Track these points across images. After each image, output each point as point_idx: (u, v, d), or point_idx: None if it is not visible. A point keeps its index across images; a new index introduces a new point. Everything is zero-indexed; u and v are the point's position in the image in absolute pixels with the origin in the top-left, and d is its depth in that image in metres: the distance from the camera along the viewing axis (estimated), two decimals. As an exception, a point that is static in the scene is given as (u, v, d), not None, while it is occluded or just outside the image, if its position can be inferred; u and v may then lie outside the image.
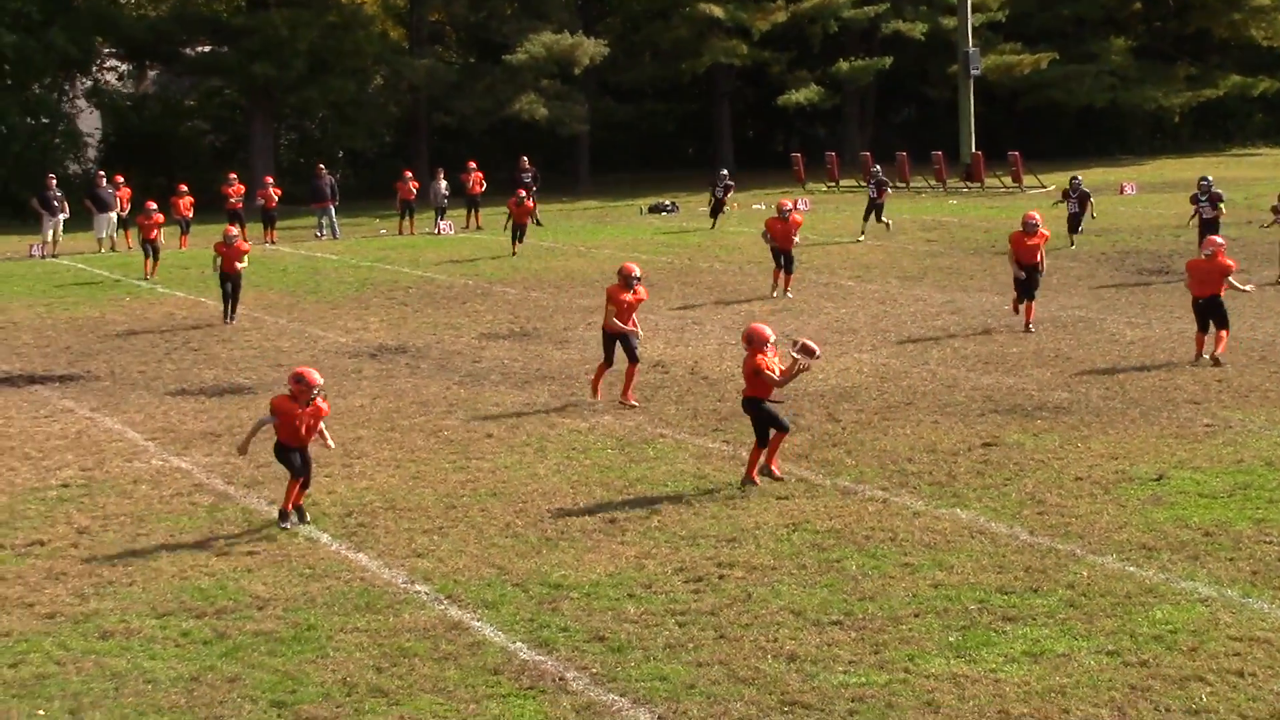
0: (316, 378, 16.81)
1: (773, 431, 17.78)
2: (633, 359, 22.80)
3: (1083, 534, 15.58)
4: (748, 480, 17.80)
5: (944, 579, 14.35)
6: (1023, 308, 27.80)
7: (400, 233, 50.56)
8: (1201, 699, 11.44)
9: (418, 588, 14.76)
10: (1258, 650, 12.32)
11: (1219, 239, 24.41)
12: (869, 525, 16.15)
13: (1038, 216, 27.95)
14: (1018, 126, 74.77)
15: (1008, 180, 59.11)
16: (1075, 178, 40.01)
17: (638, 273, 23.16)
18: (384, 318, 32.18)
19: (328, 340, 29.51)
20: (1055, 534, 15.63)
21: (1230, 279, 23.99)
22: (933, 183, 61.17)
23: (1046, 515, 16.27)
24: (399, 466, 19.53)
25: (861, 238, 43.10)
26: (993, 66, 69.57)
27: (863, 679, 12.06)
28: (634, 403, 22.66)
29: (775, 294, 33.19)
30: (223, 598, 14.61)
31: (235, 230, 33.00)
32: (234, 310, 32.20)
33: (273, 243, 47.84)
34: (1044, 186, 57.38)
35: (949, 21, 70.95)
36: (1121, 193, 54.77)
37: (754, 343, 17.78)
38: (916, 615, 13.42)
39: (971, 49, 66.34)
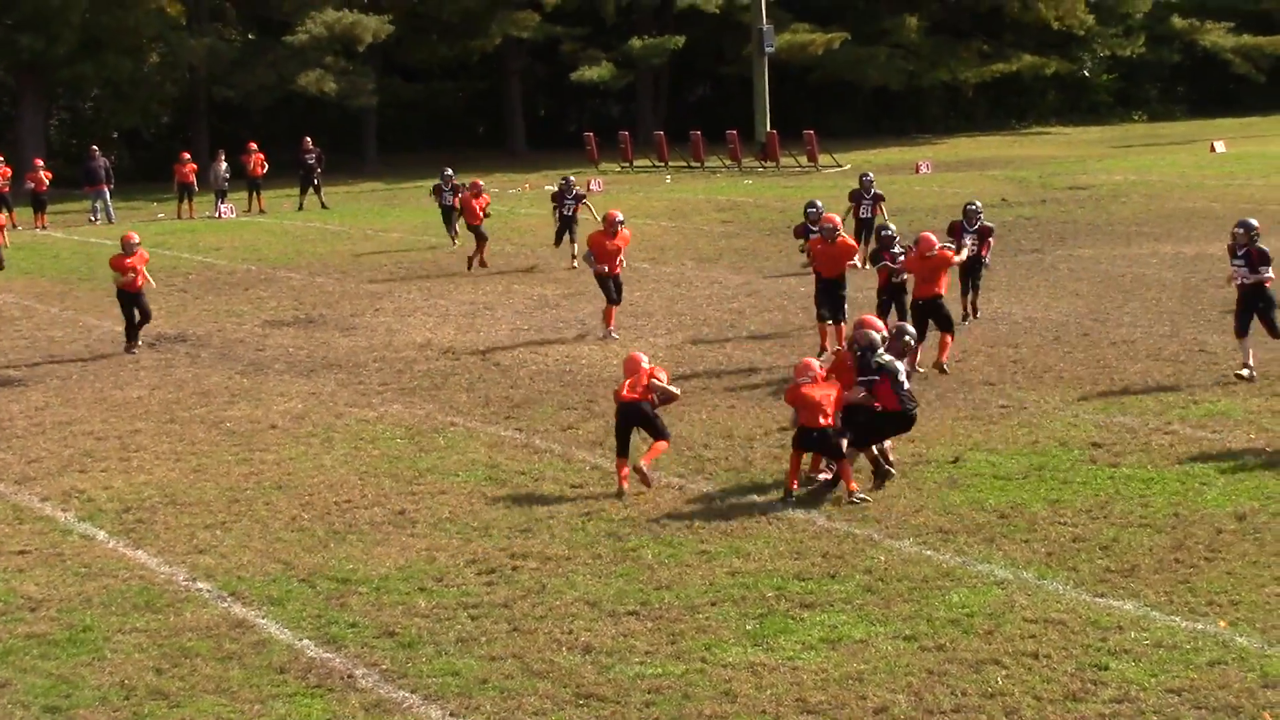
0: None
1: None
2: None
3: (880, 518, 15.56)
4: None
5: (741, 566, 14.24)
6: (831, 330, 23.28)
7: (179, 216, 49.50)
8: (997, 682, 11.48)
9: (199, 585, 14.36)
10: (1052, 632, 12.38)
11: (932, 237, 22.82)
12: (665, 512, 15.99)
13: (837, 219, 24.30)
14: (813, 105, 75.23)
15: (803, 160, 59.47)
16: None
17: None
18: (162, 305, 31.24)
19: (103, 329, 28.58)
20: (852, 519, 15.59)
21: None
22: (727, 162, 61.32)
23: (843, 499, 16.22)
24: (179, 460, 18.99)
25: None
26: (786, 45, 69.75)
27: (659, 669, 11.93)
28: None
29: (605, 335, 26.05)
30: (-8, 600, 14.09)
31: (135, 237, 26.69)
32: (137, 335, 26.37)
33: (44, 228, 46.61)
34: (839, 166, 57.74)
35: (743, -3, 71.11)
36: (917, 171, 55.36)
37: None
38: (713, 604, 13.30)
39: (765, 26, 66.30)
